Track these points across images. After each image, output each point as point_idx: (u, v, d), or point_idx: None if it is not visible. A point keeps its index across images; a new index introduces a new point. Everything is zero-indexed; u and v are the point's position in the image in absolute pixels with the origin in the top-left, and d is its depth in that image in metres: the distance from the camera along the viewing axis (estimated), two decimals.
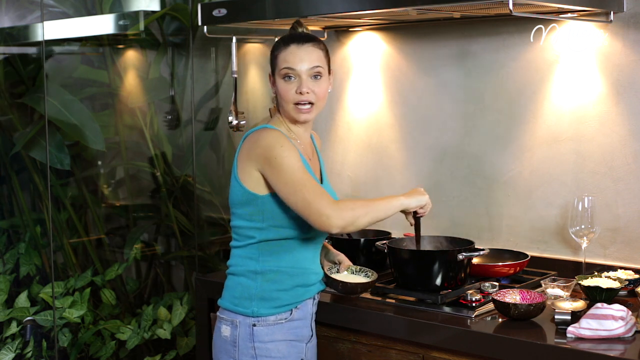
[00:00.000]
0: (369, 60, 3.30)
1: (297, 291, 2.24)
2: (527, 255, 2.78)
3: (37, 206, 3.83)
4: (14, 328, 3.52)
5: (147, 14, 3.83)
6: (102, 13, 3.82)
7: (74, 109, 3.56)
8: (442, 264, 2.48)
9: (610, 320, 2.12)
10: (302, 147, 2.28)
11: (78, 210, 3.91)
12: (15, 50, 3.71)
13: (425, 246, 2.66)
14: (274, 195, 2.17)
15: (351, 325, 2.52)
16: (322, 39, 2.62)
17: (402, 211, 2.30)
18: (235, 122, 3.44)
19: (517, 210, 2.94)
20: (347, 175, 3.41)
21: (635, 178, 2.67)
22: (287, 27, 2.38)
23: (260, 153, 2.14)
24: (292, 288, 2.23)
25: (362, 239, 2.93)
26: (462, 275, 2.52)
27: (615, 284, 2.40)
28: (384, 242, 2.69)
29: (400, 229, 3.10)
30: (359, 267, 2.47)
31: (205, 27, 3.12)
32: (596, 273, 2.55)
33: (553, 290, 2.43)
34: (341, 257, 2.49)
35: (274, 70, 2.26)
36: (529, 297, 2.38)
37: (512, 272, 2.71)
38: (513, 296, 2.39)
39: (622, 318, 2.14)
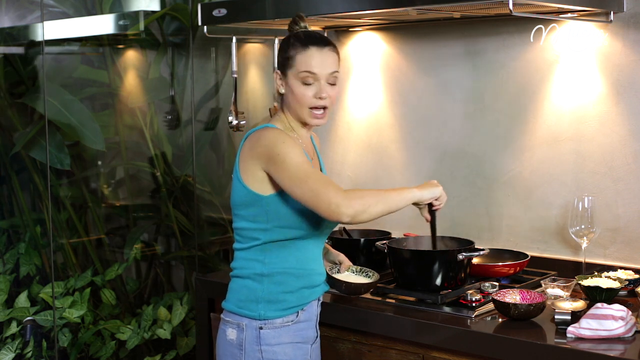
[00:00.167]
0: (369, 60, 3.30)
1: (303, 293, 2.23)
2: (527, 255, 2.78)
3: (37, 206, 3.83)
4: (14, 328, 3.52)
5: (147, 14, 3.83)
6: (102, 13, 3.82)
7: (74, 109, 3.55)
8: (442, 264, 2.48)
9: (610, 320, 2.12)
10: (304, 146, 2.27)
11: (78, 210, 3.91)
12: (15, 50, 3.71)
13: (425, 246, 2.66)
14: (278, 195, 2.15)
15: (351, 325, 2.52)
16: None
17: (416, 205, 2.25)
18: (235, 122, 3.44)
19: (517, 210, 2.94)
20: (347, 175, 3.41)
21: (635, 178, 2.67)
22: (287, 27, 2.35)
23: (263, 152, 2.12)
24: (298, 290, 2.21)
25: (362, 239, 2.93)
26: (462, 275, 2.52)
27: (615, 284, 2.40)
28: (384, 242, 2.69)
29: (400, 229, 3.10)
30: (359, 267, 2.47)
31: (205, 27, 3.12)
32: (596, 273, 2.55)
33: (553, 290, 2.43)
34: (341, 257, 2.49)
35: (288, 69, 2.19)
36: (529, 297, 2.38)
37: (512, 272, 2.71)
38: (513, 296, 2.39)
39: (622, 318, 2.14)
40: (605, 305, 2.17)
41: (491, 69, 2.96)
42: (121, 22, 3.83)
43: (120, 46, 3.97)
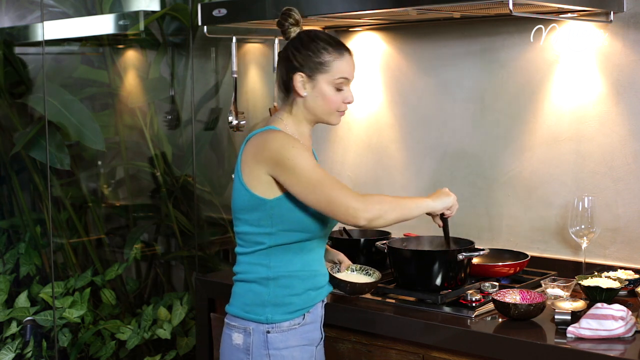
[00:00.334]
0: (369, 60, 3.30)
1: (309, 295, 2.21)
2: (527, 255, 2.78)
3: (37, 206, 3.83)
4: (14, 328, 3.52)
5: (147, 14, 3.83)
6: (102, 13, 3.82)
7: (74, 109, 3.55)
8: (442, 264, 2.48)
9: (610, 320, 2.12)
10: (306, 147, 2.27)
11: (78, 210, 3.91)
12: (15, 50, 3.71)
13: (425, 246, 2.66)
14: (282, 198, 2.12)
15: (351, 325, 2.52)
16: None
17: (429, 213, 2.27)
18: (235, 122, 3.44)
19: (517, 210, 2.94)
20: (347, 175, 3.41)
21: (635, 178, 2.67)
22: (277, 24, 2.26)
23: (270, 155, 2.09)
24: (304, 292, 2.20)
25: (362, 239, 2.93)
26: (462, 275, 2.52)
27: (615, 284, 2.40)
28: (384, 242, 2.69)
29: (400, 229, 3.10)
30: (359, 265, 2.47)
31: (205, 27, 3.12)
32: (596, 273, 2.55)
33: (553, 290, 2.43)
34: (341, 256, 2.48)
35: (320, 74, 2.14)
36: (529, 297, 2.38)
37: (512, 272, 2.71)
38: (513, 296, 2.39)
39: (622, 318, 2.14)
40: (605, 305, 2.17)
41: (491, 69, 2.96)
42: (121, 22, 3.83)
43: (120, 46, 3.97)
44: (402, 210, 2.14)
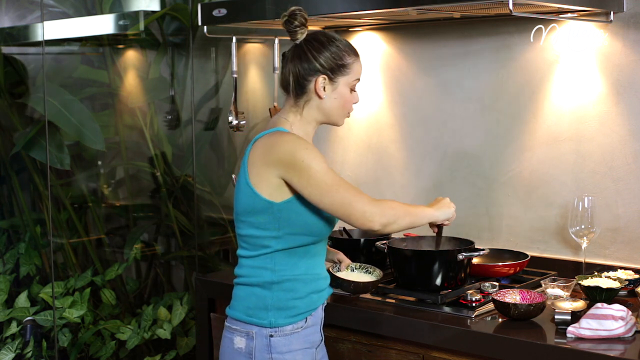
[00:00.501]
0: (369, 60, 3.30)
1: (311, 298, 2.20)
2: (527, 255, 2.78)
3: (37, 206, 3.83)
4: (14, 328, 3.52)
5: (147, 14, 3.83)
6: (102, 13, 3.82)
7: (74, 109, 3.55)
8: (442, 264, 2.48)
9: (610, 320, 2.12)
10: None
11: (78, 210, 3.91)
12: (15, 50, 3.71)
13: (425, 246, 2.66)
14: (290, 201, 2.10)
15: (351, 325, 2.52)
16: None
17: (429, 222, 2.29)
18: (235, 122, 3.44)
19: (517, 210, 2.94)
20: (347, 175, 3.41)
21: (635, 178, 2.67)
22: (283, 25, 2.28)
23: (282, 158, 2.06)
24: (307, 295, 2.18)
25: (362, 239, 2.93)
26: (462, 275, 2.52)
27: (615, 284, 2.40)
28: (384, 242, 2.69)
29: None
30: (358, 264, 2.47)
31: (205, 27, 3.12)
32: (596, 273, 2.55)
33: (553, 290, 2.43)
34: (340, 255, 2.48)
35: (342, 76, 2.14)
36: (529, 297, 2.38)
37: (512, 272, 2.71)
38: (513, 296, 2.39)
39: (622, 318, 2.14)
40: (605, 305, 2.17)
41: (491, 69, 2.96)
42: (121, 22, 3.83)
43: (120, 46, 3.97)
44: (412, 217, 2.16)
